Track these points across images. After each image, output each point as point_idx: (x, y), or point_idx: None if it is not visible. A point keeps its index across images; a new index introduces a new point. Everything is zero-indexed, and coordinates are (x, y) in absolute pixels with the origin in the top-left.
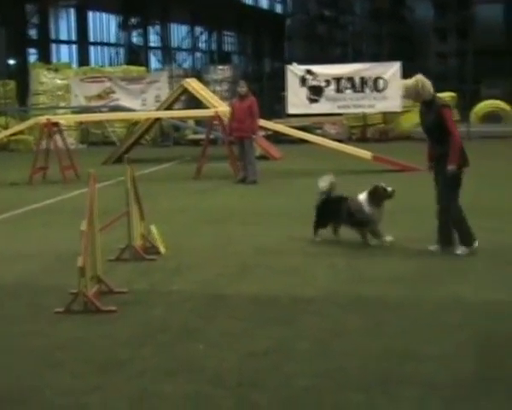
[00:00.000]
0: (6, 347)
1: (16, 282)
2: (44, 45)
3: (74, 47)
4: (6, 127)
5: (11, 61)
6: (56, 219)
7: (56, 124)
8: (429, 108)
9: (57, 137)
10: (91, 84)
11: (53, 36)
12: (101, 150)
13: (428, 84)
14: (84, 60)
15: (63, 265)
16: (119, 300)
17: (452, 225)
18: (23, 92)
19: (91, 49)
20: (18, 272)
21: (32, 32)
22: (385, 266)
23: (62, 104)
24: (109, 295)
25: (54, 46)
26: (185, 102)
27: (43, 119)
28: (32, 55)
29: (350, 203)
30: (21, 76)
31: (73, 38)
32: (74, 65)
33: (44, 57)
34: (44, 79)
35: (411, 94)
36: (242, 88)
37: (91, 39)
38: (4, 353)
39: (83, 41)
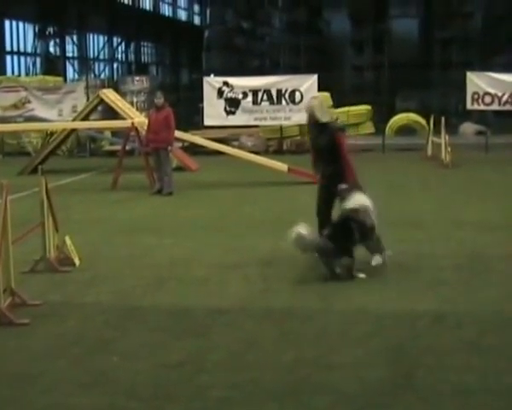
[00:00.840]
0: None
1: None
2: None
3: None
4: None
5: None
6: None
7: None
8: (322, 131)
9: None
10: (7, 93)
11: None
12: (17, 161)
13: (327, 108)
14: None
15: None
16: (33, 312)
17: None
18: None
19: (7, 58)
20: None
21: None
22: (294, 277)
23: None
24: (23, 307)
25: None
26: (102, 112)
27: None
28: None
29: None
30: None
31: None
32: None
33: None
34: None
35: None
36: (159, 99)
37: (7, 48)
38: None
39: None
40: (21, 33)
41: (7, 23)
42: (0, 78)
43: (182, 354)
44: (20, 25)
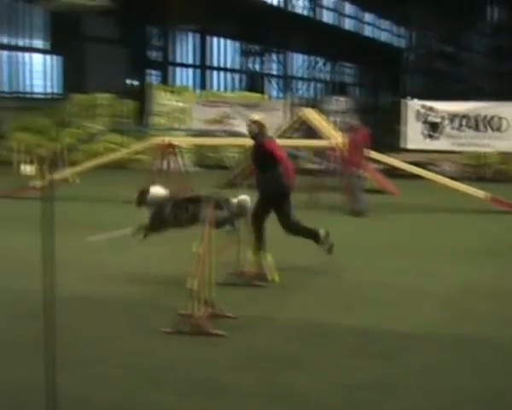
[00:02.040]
0: (111, 363)
1: (124, 299)
2: (164, 67)
3: (194, 70)
4: (122, 146)
5: (132, 82)
6: (164, 239)
7: (173, 145)
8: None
9: (173, 159)
10: (210, 108)
11: (173, 59)
12: (215, 174)
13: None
14: (203, 84)
15: (171, 285)
16: (229, 324)
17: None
18: (141, 112)
19: (211, 73)
20: (126, 289)
21: (153, 54)
22: (491, 308)
23: (180, 126)
24: (219, 318)
25: (174, 69)
26: (304, 131)
27: (160, 139)
28: (152, 76)
29: None
30: (140, 96)
31: (193, 61)
32: (194, 88)
33: (164, 79)
34: (164, 101)
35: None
36: (354, 121)
37: (211, 64)
38: (109, 368)
39: (203, 65)
40: (225, 50)
41: (211, 39)
42: (203, 92)
43: (370, 376)
44: (224, 42)
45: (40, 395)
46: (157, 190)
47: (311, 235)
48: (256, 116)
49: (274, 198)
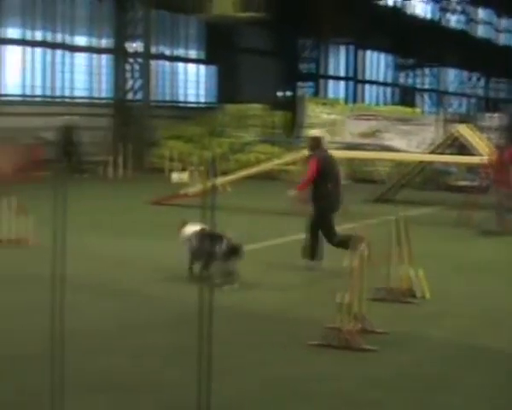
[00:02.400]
0: (260, 373)
1: (274, 310)
2: (316, 80)
3: (346, 83)
4: (273, 156)
5: (284, 93)
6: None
7: None
8: None
9: None
10: (361, 121)
11: (325, 71)
12: (365, 188)
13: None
14: (355, 97)
15: (322, 298)
16: (379, 340)
17: None
18: (292, 124)
19: (363, 86)
20: (276, 300)
21: (305, 66)
22: None
23: (331, 139)
24: (366, 333)
25: (326, 81)
26: (457, 147)
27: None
28: (303, 88)
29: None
30: (292, 108)
31: (346, 74)
32: (345, 101)
33: (316, 91)
34: (316, 113)
35: None
36: (501, 139)
37: (363, 77)
38: (258, 378)
39: (355, 78)
40: (378, 63)
41: (364, 52)
42: (355, 105)
43: None
44: (377, 55)
45: (190, 400)
46: (190, 228)
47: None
48: (314, 132)
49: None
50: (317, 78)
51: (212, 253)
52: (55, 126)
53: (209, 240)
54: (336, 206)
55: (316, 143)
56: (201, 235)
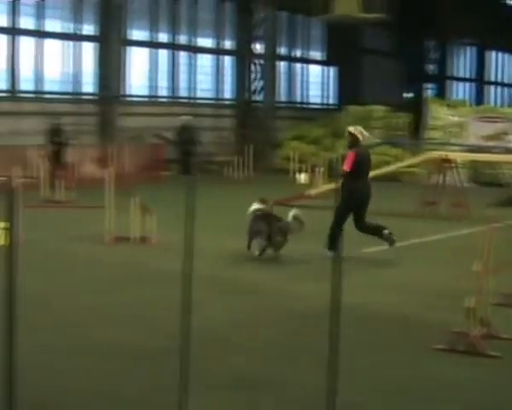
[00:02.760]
0: (383, 375)
1: (396, 312)
2: (441, 81)
3: (470, 85)
4: (399, 159)
5: (409, 95)
6: (441, 255)
7: (450, 160)
8: None
9: (450, 174)
10: (487, 123)
11: (450, 72)
12: (491, 191)
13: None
14: (480, 98)
15: (444, 302)
16: (502, 346)
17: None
18: (416, 126)
19: (488, 87)
20: (399, 303)
21: (429, 68)
22: None
23: (455, 141)
24: (492, 339)
25: (450, 83)
26: None
27: (437, 154)
28: (429, 89)
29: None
30: (416, 110)
31: (470, 75)
32: (470, 103)
33: (440, 93)
34: (440, 115)
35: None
36: None
37: (489, 78)
38: (381, 380)
39: (480, 79)
40: (505, 64)
41: (489, 53)
42: (480, 107)
43: None
44: (503, 56)
45: (315, 398)
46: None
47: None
48: (351, 128)
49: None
50: (441, 79)
51: (264, 232)
52: (176, 126)
53: (262, 220)
54: (366, 201)
55: (354, 139)
56: (255, 215)
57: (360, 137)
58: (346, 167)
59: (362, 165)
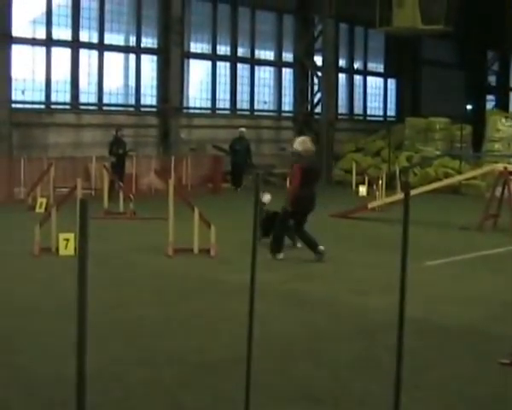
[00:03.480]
0: (450, 389)
1: (461, 325)
2: (502, 93)
3: None
4: (460, 171)
5: (469, 106)
6: (504, 267)
7: (510, 172)
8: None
9: (511, 187)
10: None
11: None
12: None
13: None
14: None
15: (510, 314)
16: None
17: None
18: (478, 138)
19: None
20: (464, 315)
21: (491, 79)
22: None
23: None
24: None
25: None
26: None
27: (499, 166)
28: (490, 101)
29: None
30: (477, 121)
31: None
32: None
33: (502, 105)
34: (501, 127)
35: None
36: None
37: None
38: (448, 395)
39: None
40: None
41: None
42: None
43: None
44: None
45: None
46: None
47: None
48: (295, 145)
49: None
50: (503, 90)
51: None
52: (234, 138)
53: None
54: (311, 208)
55: (297, 155)
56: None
57: (303, 153)
58: (295, 183)
59: (307, 176)
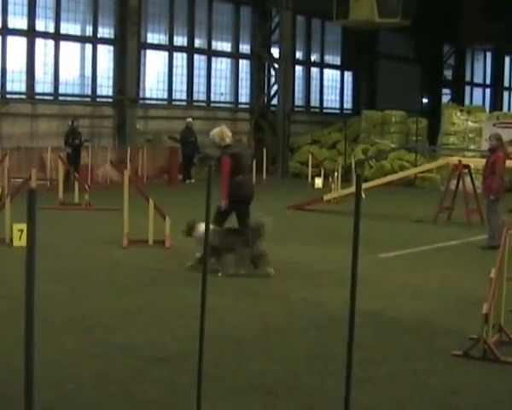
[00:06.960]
0: (401, 382)
1: (415, 319)
2: (458, 87)
3: (486, 90)
4: (415, 164)
5: (425, 100)
6: (457, 260)
7: (467, 166)
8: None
9: (466, 180)
10: (504, 129)
11: (467, 78)
12: (508, 197)
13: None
14: (497, 104)
15: (462, 307)
16: None
17: None
18: (434, 131)
19: (507, 93)
20: (417, 308)
21: (447, 73)
22: None
23: (472, 147)
24: (509, 345)
25: (468, 88)
26: None
27: (454, 159)
28: (446, 95)
29: None
30: (432, 115)
31: (488, 81)
32: (488, 109)
33: (458, 99)
34: (456, 121)
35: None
36: (491, 141)
37: (506, 84)
38: (400, 387)
39: (497, 85)
40: None
41: (507, 59)
42: (497, 113)
43: None
44: None
45: (329, 406)
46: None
47: None
48: (216, 138)
49: None
50: (459, 84)
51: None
52: (182, 130)
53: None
54: (250, 196)
55: (223, 145)
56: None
57: (227, 140)
58: (225, 170)
59: (238, 163)
